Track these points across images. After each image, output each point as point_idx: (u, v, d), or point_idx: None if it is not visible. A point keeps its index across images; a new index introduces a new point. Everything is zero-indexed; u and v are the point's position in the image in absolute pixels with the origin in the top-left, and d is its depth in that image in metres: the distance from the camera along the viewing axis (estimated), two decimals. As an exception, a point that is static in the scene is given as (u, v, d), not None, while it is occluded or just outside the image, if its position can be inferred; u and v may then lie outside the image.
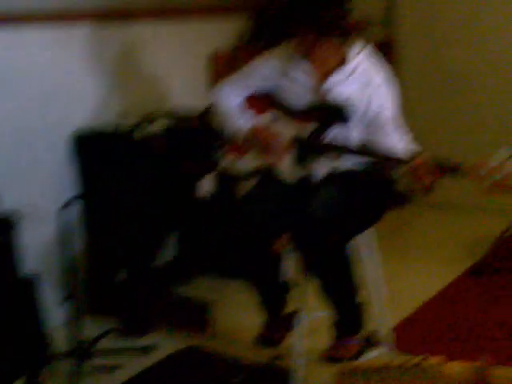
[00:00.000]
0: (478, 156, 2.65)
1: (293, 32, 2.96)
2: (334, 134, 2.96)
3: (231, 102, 3.16)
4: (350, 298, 3.03)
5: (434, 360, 2.24)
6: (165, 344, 3.52)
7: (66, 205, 3.03)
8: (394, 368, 2.27)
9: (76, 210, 3.72)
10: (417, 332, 3.61)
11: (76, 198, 3.26)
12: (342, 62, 2.98)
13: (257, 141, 3.06)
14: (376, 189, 3.02)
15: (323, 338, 3.22)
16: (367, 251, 3.14)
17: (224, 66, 4.56)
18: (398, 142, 2.92)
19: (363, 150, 2.89)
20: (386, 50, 5.40)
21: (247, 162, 3.14)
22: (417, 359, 2.25)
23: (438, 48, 5.45)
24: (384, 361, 2.32)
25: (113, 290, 3.79)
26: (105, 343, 3.44)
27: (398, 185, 3.03)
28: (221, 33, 4.69)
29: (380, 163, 2.86)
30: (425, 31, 5.48)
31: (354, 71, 2.96)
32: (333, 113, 2.97)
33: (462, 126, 5.47)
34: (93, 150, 3.72)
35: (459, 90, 5.43)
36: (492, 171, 2.56)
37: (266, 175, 3.09)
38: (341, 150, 2.92)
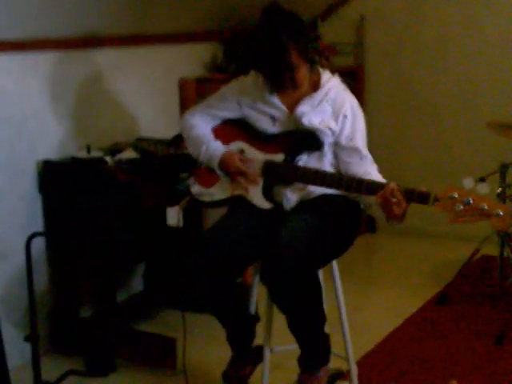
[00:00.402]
0: (444, 184, 2.68)
1: (260, 66, 2.97)
2: (305, 161, 2.96)
3: (200, 130, 3.14)
4: (319, 329, 2.99)
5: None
6: (129, 383, 3.49)
7: (30, 239, 2.99)
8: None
9: (40, 244, 3.69)
10: (382, 364, 3.61)
11: (40, 233, 3.23)
12: (311, 88, 2.99)
13: (227, 169, 3.06)
14: (347, 215, 3.01)
15: (290, 372, 3.19)
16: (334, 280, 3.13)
17: (193, 93, 4.55)
18: (370, 169, 2.93)
19: (336, 177, 2.89)
20: (354, 76, 5.45)
21: (217, 190, 3.12)
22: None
23: (404, 73, 5.52)
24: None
25: (77, 328, 3.75)
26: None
27: (368, 213, 3.03)
28: (189, 60, 4.69)
29: (353, 190, 2.85)
30: (392, 57, 5.55)
31: (324, 98, 2.97)
32: (304, 139, 2.97)
33: (428, 152, 5.53)
34: (59, 180, 3.67)
35: (425, 116, 5.51)
36: (465, 194, 2.57)
37: (237, 203, 3.06)
38: (313, 176, 2.90)
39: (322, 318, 2.97)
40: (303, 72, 2.93)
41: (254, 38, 2.94)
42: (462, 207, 2.56)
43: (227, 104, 3.13)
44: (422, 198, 2.66)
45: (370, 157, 2.98)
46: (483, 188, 2.59)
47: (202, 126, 3.16)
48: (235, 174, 3.03)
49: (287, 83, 2.92)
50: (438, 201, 2.62)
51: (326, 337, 3.04)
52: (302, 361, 3.05)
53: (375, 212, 2.82)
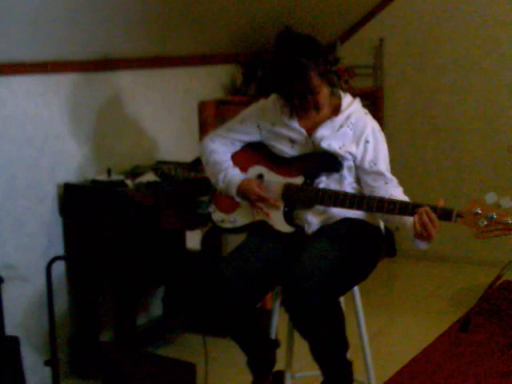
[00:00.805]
0: (466, 203, 2.64)
1: (281, 90, 2.96)
2: (325, 183, 2.95)
3: (219, 156, 3.14)
4: (341, 356, 2.95)
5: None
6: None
7: (50, 263, 2.98)
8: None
9: (60, 268, 3.69)
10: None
11: (61, 257, 3.22)
12: (332, 112, 2.98)
13: (247, 196, 3.04)
14: (369, 240, 2.99)
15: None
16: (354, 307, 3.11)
17: (212, 115, 4.55)
18: (395, 192, 2.90)
19: (357, 197, 2.85)
20: (373, 99, 5.44)
21: (238, 216, 3.10)
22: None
23: (423, 96, 5.51)
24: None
25: (96, 352, 3.74)
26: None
27: (397, 236, 3.00)
28: (208, 82, 4.70)
29: (379, 210, 2.82)
30: (411, 79, 5.54)
31: (345, 122, 2.95)
32: (322, 161, 2.96)
33: (448, 175, 5.50)
34: (80, 203, 3.67)
35: (445, 138, 5.48)
36: (488, 209, 2.55)
37: (258, 227, 3.04)
38: (334, 198, 2.87)
39: (344, 345, 2.94)
40: (324, 94, 2.91)
41: (273, 63, 2.93)
42: (485, 222, 2.54)
43: (247, 128, 3.12)
44: (445, 213, 2.63)
45: (395, 180, 2.96)
46: (507, 202, 2.55)
47: (220, 151, 3.15)
48: (255, 201, 3.02)
49: (309, 106, 2.91)
50: (462, 217, 2.60)
51: (349, 364, 3.00)
52: None
53: (403, 233, 2.80)
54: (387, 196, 2.85)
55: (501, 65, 5.20)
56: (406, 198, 2.87)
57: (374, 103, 5.46)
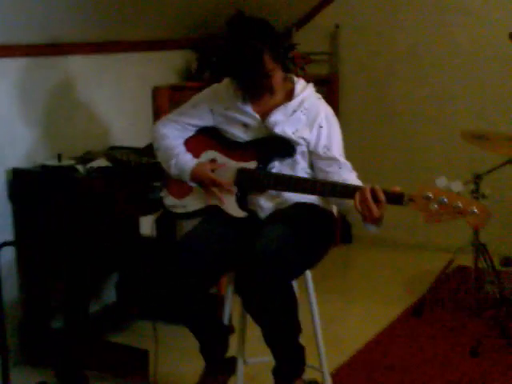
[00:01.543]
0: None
1: (235, 74, 2.94)
2: (278, 168, 2.94)
3: (170, 142, 3.11)
4: (293, 340, 2.96)
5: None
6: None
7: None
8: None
9: (10, 254, 3.63)
10: (357, 375, 3.59)
11: (10, 242, 3.17)
12: (285, 97, 2.97)
13: (200, 181, 3.02)
14: (322, 224, 3.00)
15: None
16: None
17: (166, 101, 4.51)
18: (349, 176, 2.90)
19: (309, 181, 2.87)
20: (329, 85, 5.45)
21: (190, 201, 3.07)
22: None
23: (378, 82, 5.53)
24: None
25: (47, 339, 3.69)
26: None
27: (347, 219, 3.00)
28: (163, 67, 4.66)
29: (328, 194, 2.83)
30: (366, 65, 5.56)
31: (298, 107, 2.94)
32: (275, 146, 2.95)
33: (401, 160, 5.55)
34: (29, 188, 3.61)
35: (400, 124, 5.52)
36: (439, 193, 2.56)
37: (211, 212, 3.02)
38: (286, 182, 2.87)
39: (296, 329, 2.94)
40: (278, 78, 2.90)
41: (227, 47, 2.91)
42: (436, 206, 2.56)
43: (200, 112, 3.10)
44: (396, 198, 2.65)
45: (349, 165, 2.96)
46: (457, 186, 2.57)
47: (172, 136, 3.12)
48: (209, 185, 3.00)
49: (263, 90, 2.90)
50: (413, 201, 2.61)
51: (301, 348, 3.00)
52: (276, 372, 3.02)
53: (353, 217, 2.81)
54: (341, 180, 2.86)
55: (454, 52, 5.24)
56: (359, 183, 2.87)
57: (329, 90, 5.46)
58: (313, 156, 2.96)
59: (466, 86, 5.23)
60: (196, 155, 3.08)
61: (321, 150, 2.94)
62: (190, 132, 3.14)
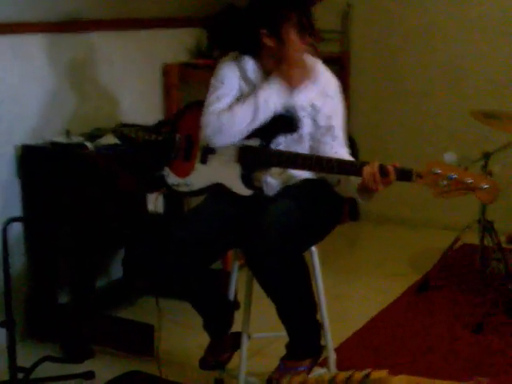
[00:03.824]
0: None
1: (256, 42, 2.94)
2: (285, 145, 2.93)
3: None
4: (309, 315, 2.93)
5: (377, 375, 2.21)
6: (106, 369, 3.44)
7: (7, 224, 2.96)
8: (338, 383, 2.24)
9: (17, 229, 3.67)
10: (361, 351, 3.61)
11: (18, 218, 3.19)
12: None
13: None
14: (330, 198, 2.99)
15: (269, 359, 3.18)
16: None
17: (176, 78, 4.52)
18: (340, 151, 2.91)
19: (313, 157, 2.85)
20: (340, 63, 5.44)
21: (194, 180, 3.07)
22: (360, 374, 2.21)
23: (389, 60, 5.51)
24: (328, 376, 2.29)
25: (54, 314, 3.72)
26: (43, 370, 3.33)
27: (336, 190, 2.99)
28: (173, 45, 4.66)
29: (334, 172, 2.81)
30: (377, 44, 5.53)
31: (316, 79, 2.94)
32: (278, 122, 2.93)
33: (411, 138, 5.53)
34: (38, 165, 3.64)
35: (409, 102, 5.50)
36: (448, 169, 2.56)
37: (216, 191, 3.02)
38: (290, 159, 2.86)
39: (311, 303, 2.92)
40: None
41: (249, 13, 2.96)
42: (445, 182, 2.56)
43: (231, 80, 3.00)
44: (405, 174, 2.65)
45: (341, 139, 2.96)
46: (466, 161, 2.57)
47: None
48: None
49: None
50: (421, 177, 2.61)
51: (318, 324, 2.99)
52: (290, 348, 2.98)
53: (345, 185, 2.81)
54: (332, 152, 2.86)
55: (465, 30, 5.20)
56: (351, 159, 2.88)
57: (341, 68, 5.45)
58: (313, 125, 2.95)
59: (477, 63, 5.20)
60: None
61: (321, 118, 2.93)
62: None
